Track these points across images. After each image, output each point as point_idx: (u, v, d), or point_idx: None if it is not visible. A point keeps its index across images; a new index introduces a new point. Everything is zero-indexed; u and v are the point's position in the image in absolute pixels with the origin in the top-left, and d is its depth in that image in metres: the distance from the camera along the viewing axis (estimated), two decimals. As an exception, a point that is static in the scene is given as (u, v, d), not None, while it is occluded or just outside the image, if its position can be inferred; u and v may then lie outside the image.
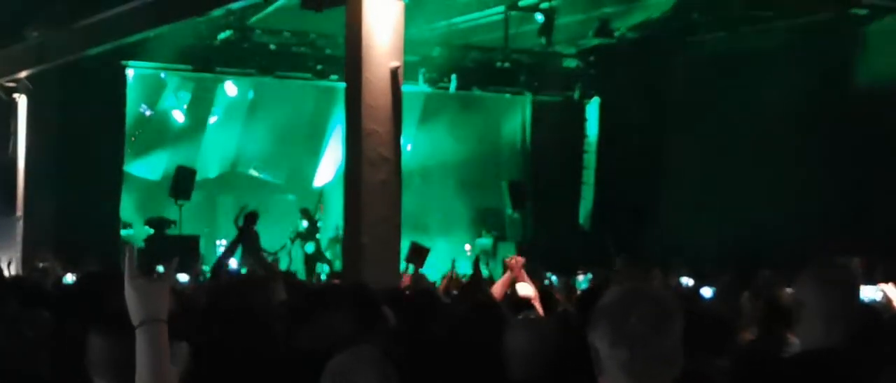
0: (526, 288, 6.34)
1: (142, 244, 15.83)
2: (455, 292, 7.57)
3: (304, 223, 17.57)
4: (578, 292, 9.23)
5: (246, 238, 15.17)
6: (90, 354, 3.37)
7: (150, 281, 2.43)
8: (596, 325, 2.32)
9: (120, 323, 2.55)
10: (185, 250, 14.69)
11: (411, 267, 10.51)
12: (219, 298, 5.07)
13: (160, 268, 2.72)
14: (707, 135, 14.91)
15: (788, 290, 5.67)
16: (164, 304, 2.43)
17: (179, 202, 16.97)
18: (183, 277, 10.19)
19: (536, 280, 7.02)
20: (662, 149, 15.76)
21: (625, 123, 17.17)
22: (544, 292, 6.81)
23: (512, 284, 6.49)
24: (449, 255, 13.06)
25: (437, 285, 9.33)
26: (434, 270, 12.96)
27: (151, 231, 16.60)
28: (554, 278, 11.14)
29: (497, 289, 6.53)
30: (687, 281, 10.47)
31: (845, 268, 3.58)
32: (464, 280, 8.87)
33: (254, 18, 15.31)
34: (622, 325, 2.27)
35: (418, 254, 11.02)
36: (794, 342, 4.18)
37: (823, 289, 3.13)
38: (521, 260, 6.61)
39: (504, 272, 6.77)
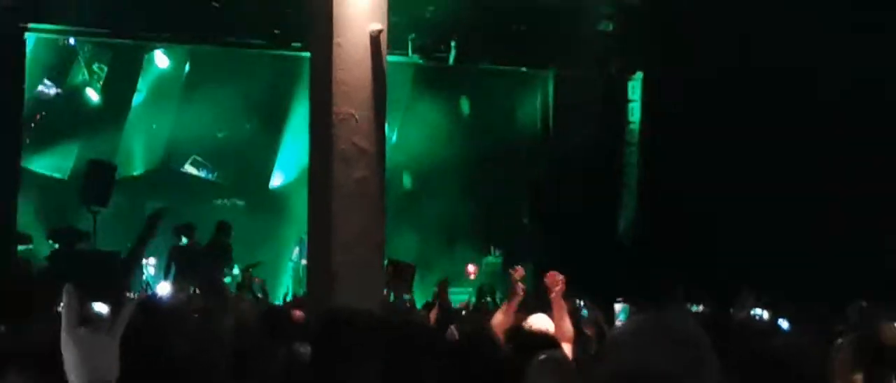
0: (542, 321, 6.28)
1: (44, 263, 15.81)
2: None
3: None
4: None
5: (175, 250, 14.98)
6: None
7: (96, 331, 2.40)
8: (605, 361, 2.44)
9: None
10: (102, 273, 14.66)
11: (392, 294, 10.53)
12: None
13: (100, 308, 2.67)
14: (797, 121, 14.69)
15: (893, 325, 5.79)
16: (113, 362, 2.40)
17: (93, 208, 16.95)
18: (101, 308, 10.14)
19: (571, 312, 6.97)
20: (733, 142, 15.63)
21: (680, 107, 17.10)
22: (577, 328, 6.77)
23: (519, 311, 6.45)
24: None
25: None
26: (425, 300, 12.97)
27: (56, 246, 16.57)
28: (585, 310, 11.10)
29: (499, 320, 6.47)
30: (761, 312, 10.51)
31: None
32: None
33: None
34: (638, 363, 2.35)
35: (401, 275, 11.02)
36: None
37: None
38: (560, 279, 6.50)
39: (510, 294, 6.71)
